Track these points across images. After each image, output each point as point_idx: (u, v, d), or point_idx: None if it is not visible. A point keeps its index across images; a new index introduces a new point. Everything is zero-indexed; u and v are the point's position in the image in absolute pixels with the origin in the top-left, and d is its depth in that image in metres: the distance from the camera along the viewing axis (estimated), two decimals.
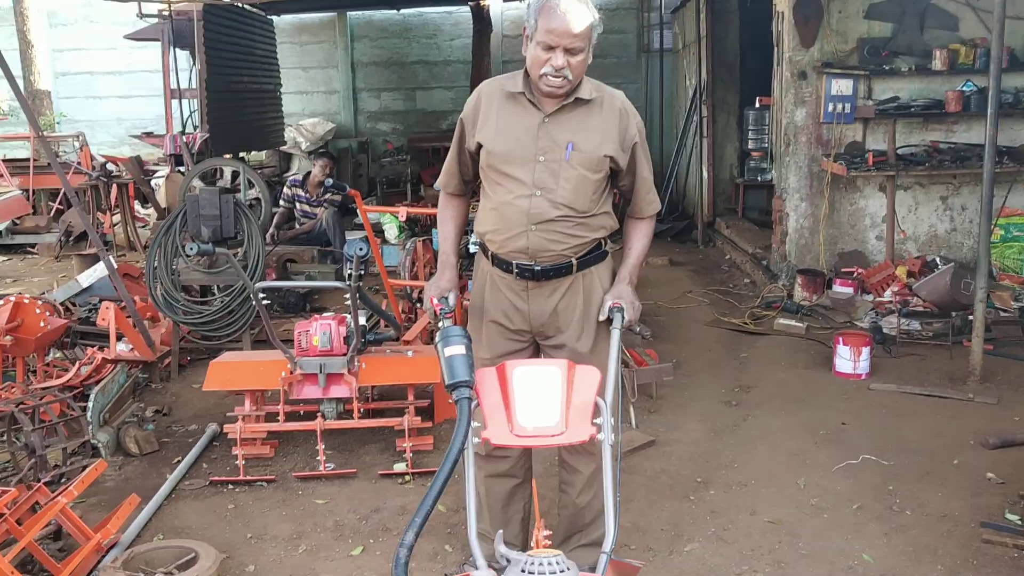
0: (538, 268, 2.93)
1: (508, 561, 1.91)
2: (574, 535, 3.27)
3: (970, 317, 5.54)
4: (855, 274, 7.06)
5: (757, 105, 9.65)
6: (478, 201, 3.14)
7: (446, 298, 3.00)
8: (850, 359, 5.43)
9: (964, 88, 7.07)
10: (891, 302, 6.63)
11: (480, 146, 2.96)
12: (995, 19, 5.06)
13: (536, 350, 3.12)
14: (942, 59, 7.10)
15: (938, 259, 7.16)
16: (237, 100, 10.01)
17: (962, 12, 7.22)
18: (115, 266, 5.86)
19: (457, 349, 2.48)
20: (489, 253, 3.02)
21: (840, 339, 5.51)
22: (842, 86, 7.14)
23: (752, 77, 9.96)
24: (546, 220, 2.88)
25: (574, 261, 2.95)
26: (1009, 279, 7.03)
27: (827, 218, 7.32)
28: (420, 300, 3.92)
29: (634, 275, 3.02)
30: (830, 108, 7.17)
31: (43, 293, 6.89)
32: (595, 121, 2.89)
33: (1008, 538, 3.49)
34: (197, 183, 6.88)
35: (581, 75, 2.82)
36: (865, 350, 5.42)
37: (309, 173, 9.43)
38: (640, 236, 3.10)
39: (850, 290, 6.89)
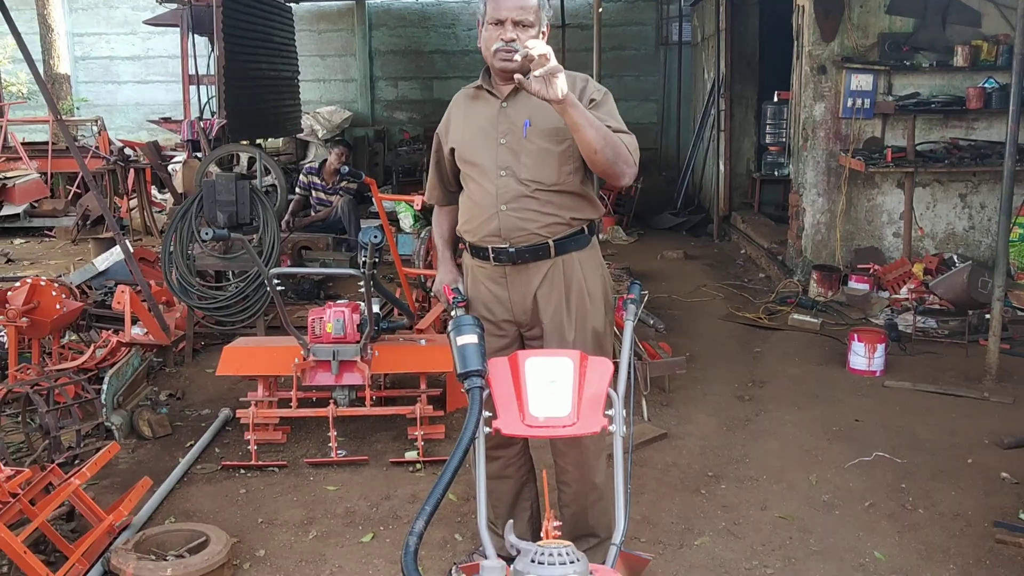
0: (512, 250, 2.92)
1: (518, 551, 1.91)
2: (579, 539, 3.20)
3: (987, 316, 5.50)
4: (871, 271, 7.02)
5: (775, 99, 9.59)
6: None
7: (458, 287, 3.01)
8: (865, 356, 5.40)
9: (985, 85, 7.00)
10: (907, 299, 6.59)
11: (453, 151, 3.02)
12: (1018, 15, 5.00)
13: (520, 346, 3.07)
14: (964, 55, 7.03)
15: (955, 257, 7.11)
16: (255, 87, 10.01)
17: (985, 8, 7.14)
18: (131, 250, 5.89)
19: (469, 338, 2.47)
20: (467, 244, 3.05)
21: (855, 336, 5.48)
22: (862, 81, 7.09)
23: (771, 71, 9.90)
24: (514, 198, 2.89)
25: (551, 243, 2.92)
26: None
27: (844, 214, 7.28)
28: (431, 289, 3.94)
29: (583, 113, 2.65)
30: (849, 103, 7.12)
31: (59, 276, 6.93)
32: None
33: (1021, 538, 3.47)
34: (214, 169, 6.90)
35: None
36: (880, 347, 5.38)
37: (325, 161, 9.45)
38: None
39: (866, 287, 6.85)
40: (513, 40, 2.78)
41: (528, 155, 2.88)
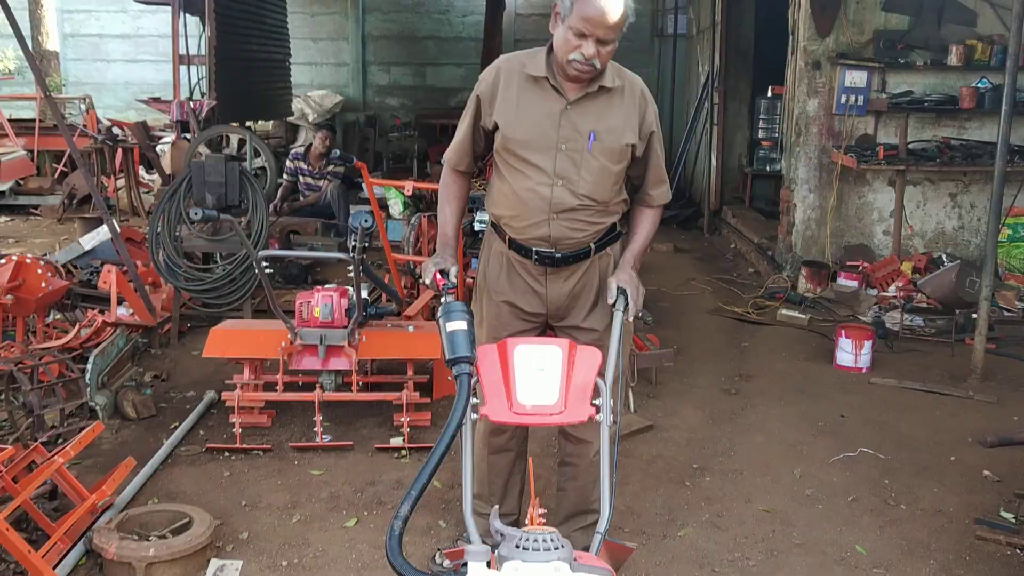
0: (558, 255, 2.93)
1: (503, 536, 1.90)
2: (578, 515, 3.24)
3: (973, 315, 5.52)
4: (860, 268, 7.04)
5: (769, 94, 9.59)
6: (481, 178, 3.11)
7: (447, 272, 2.95)
8: (851, 352, 5.42)
9: (979, 85, 7.02)
10: (895, 297, 6.61)
11: (496, 126, 2.90)
12: (1013, 16, 5.02)
13: (544, 331, 3.11)
14: (958, 54, 7.05)
15: (944, 256, 7.14)
16: (246, 69, 9.94)
17: (980, 8, 7.16)
18: (118, 230, 5.84)
19: (459, 324, 2.45)
20: (507, 237, 2.99)
21: (842, 332, 5.50)
22: (856, 78, 7.09)
23: (765, 65, 9.87)
24: (568, 209, 2.86)
25: (592, 246, 2.95)
26: (1014, 279, 7.01)
27: (834, 210, 7.29)
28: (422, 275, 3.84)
29: (638, 261, 3.00)
30: (843, 100, 7.12)
31: (45, 254, 6.88)
32: (617, 109, 2.85)
33: (1002, 536, 3.49)
34: (203, 150, 6.85)
35: (607, 63, 2.78)
36: (867, 344, 5.40)
37: (311, 146, 9.40)
38: (647, 224, 3.06)
39: (854, 283, 6.87)
40: (593, 57, 2.68)
41: (588, 171, 2.83)
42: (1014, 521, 3.63)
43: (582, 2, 2.64)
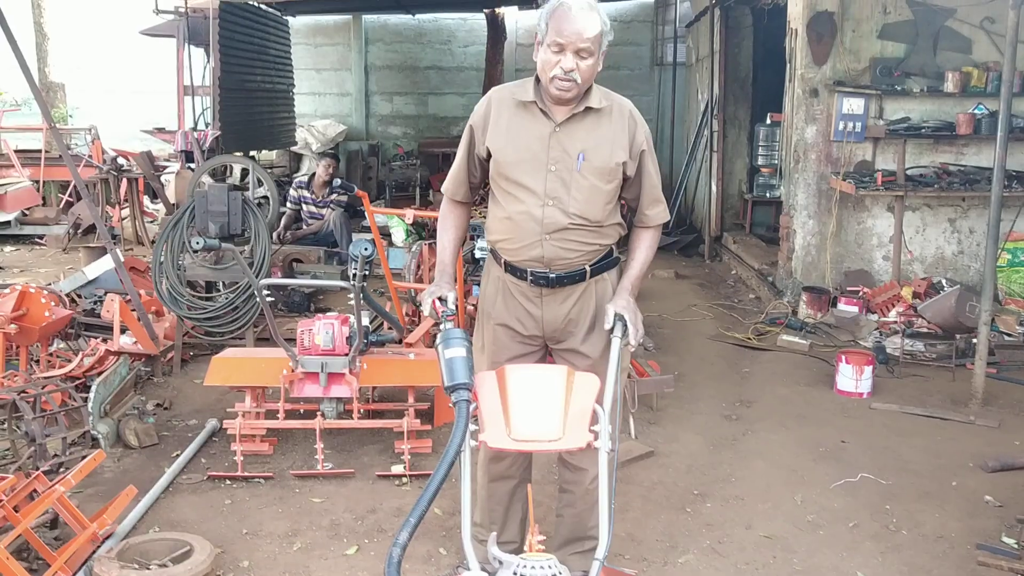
0: (552, 276, 2.95)
1: (501, 564, 1.92)
2: (575, 541, 3.25)
3: (974, 340, 5.53)
4: (860, 293, 7.05)
5: (768, 121, 9.65)
6: (483, 207, 3.13)
7: (446, 300, 2.98)
8: (852, 377, 5.42)
9: (975, 111, 7.07)
10: (895, 322, 6.62)
11: (490, 153, 2.96)
12: (1007, 43, 5.06)
13: (544, 355, 3.13)
14: (954, 81, 7.11)
15: (944, 281, 7.16)
16: (250, 99, 10.04)
17: (975, 35, 7.22)
18: (122, 259, 5.88)
19: (457, 351, 2.48)
20: (502, 260, 3.03)
21: (843, 357, 5.50)
22: (853, 105, 7.15)
23: (764, 93, 9.96)
24: (559, 229, 2.90)
25: (587, 268, 2.98)
26: (1015, 303, 7.01)
27: (834, 236, 7.32)
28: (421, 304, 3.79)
29: (636, 286, 3.02)
30: (841, 126, 7.17)
31: (49, 284, 6.91)
32: (605, 130, 2.90)
33: (1004, 561, 3.48)
34: (206, 179, 6.90)
35: (590, 80, 2.83)
36: (867, 369, 5.41)
37: (314, 174, 9.47)
38: (644, 247, 3.08)
39: (855, 309, 6.88)
40: (572, 70, 2.73)
41: (579, 189, 2.88)
42: (1016, 546, 3.62)
43: (557, 19, 2.73)
